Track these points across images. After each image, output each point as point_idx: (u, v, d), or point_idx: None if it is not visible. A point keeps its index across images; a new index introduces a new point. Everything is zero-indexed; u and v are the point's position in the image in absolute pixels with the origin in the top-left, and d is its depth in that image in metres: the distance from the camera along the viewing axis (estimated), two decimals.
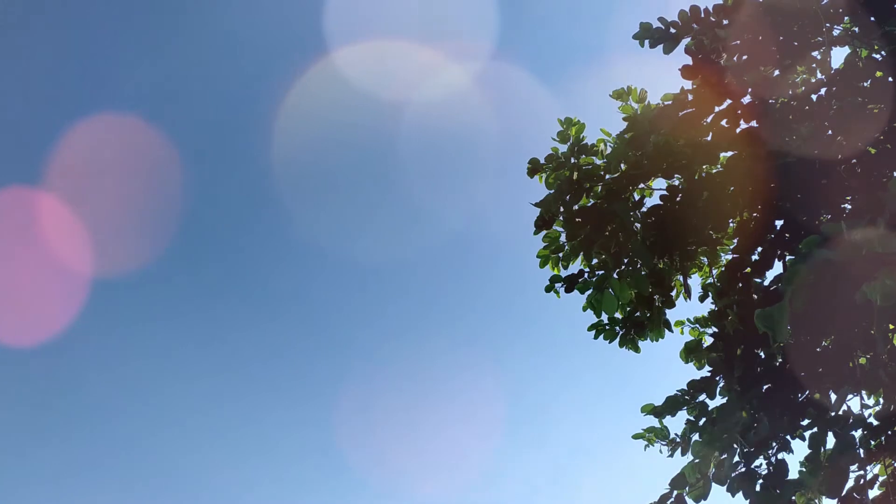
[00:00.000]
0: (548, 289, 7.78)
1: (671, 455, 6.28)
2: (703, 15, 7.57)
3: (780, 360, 6.09)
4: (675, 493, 5.20)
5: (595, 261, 7.63)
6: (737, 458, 5.40)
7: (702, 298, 7.90)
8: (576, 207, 7.53)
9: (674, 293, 7.78)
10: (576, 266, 7.67)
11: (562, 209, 7.46)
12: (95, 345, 26.51)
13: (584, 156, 7.64)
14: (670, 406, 6.13)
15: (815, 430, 5.54)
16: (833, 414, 5.88)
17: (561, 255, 7.59)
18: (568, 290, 7.69)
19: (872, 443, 6.28)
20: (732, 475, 5.22)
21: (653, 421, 6.37)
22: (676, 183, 7.50)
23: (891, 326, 6.37)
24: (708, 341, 7.78)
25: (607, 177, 7.54)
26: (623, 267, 7.42)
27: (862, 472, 6.14)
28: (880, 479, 6.28)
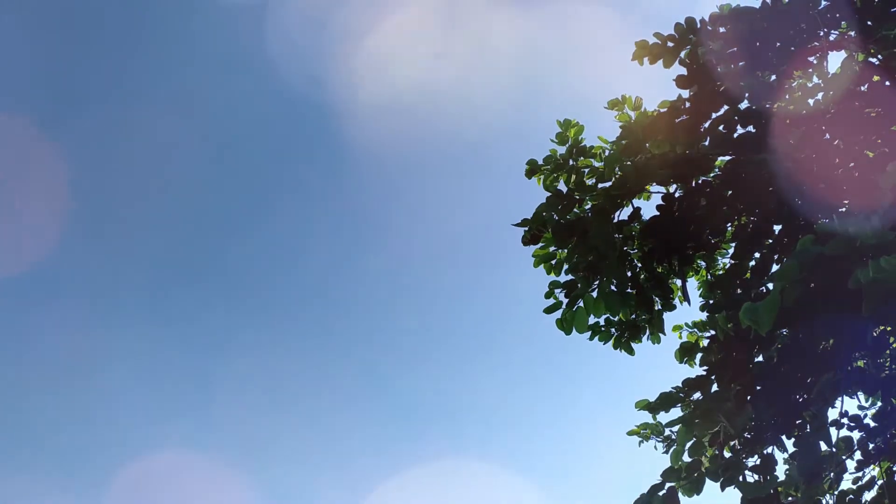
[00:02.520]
0: (548, 295, 7.78)
1: (666, 451, 6.24)
2: (699, 25, 7.62)
3: (777, 360, 6.07)
4: (668, 485, 5.16)
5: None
6: (729, 455, 5.38)
7: (703, 308, 7.89)
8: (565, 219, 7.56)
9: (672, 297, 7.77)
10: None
11: (556, 216, 7.48)
12: None
13: (582, 158, 7.68)
14: (664, 402, 6.10)
15: (809, 430, 5.50)
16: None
17: (554, 261, 7.62)
18: (567, 297, 7.69)
19: (870, 445, 6.25)
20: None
21: (647, 418, 6.35)
22: (674, 189, 7.53)
23: (888, 329, 6.34)
24: (704, 343, 7.75)
25: (600, 186, 7.57)
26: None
27: (860, 474, 6.10)
28: (878, 482, 6.22)
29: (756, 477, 5.27)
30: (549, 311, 7.62)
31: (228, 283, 30.22)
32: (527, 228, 7.69)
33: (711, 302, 6.81)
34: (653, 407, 6.41)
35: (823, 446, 5.55)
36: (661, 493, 5.09)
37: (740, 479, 5.17)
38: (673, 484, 5.15)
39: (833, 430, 7.11)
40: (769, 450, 5.53)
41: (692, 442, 5.37)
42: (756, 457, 5.44)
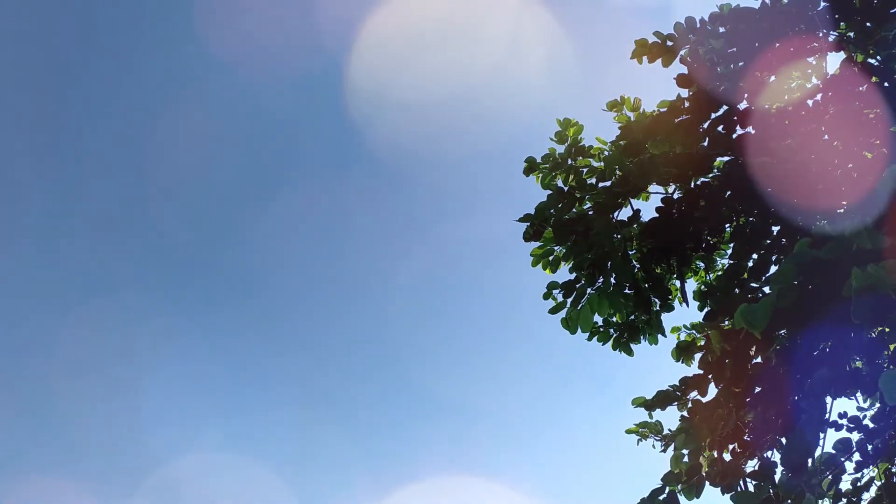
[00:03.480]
0: (546, 296, 7.78)
1: (664, 450, 6.26)
2: (698, 25, 7.61)
3: (775, 362, 6.07)
4: (668, 489, 5.18)
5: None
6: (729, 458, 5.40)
7: (701, 308, 7.88)
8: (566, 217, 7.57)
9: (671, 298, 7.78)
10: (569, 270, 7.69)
11: (553, 214, 7.49)
12: None
13: (580, 157, 7.69)
14: (661, 400, 6.13)
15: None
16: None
17: (551, 258, 7.62)
18: (566, 297, 7.70)
19: (869, 446, 6.25)
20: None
21: (645, 416, 6.38)
22: (672, 189, 7.54)
23: (887, 330, 6.34)
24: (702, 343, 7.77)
25: (600, 185, 7.57)
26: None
27: (858, 475, 6.11)
28: (876, 483, 6.23)
29: (754, 481, 5.28)
30: (553, 311, 7.64)
31: (255, 289, 30.34)
32: (528, 224, 7.71)
33: (709, 304, 6.82)
34: (649, 404, 6.44)
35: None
36: (661, 497, 5.12)
37: (739, 487, 5.19)
38: (674, 488, 5.17)
39: (832, 432, 7.14)
40: (768, 453, 5.54)
41: (692, 447, 5.40)
42: (756, 460, 5.46)
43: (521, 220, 7.60)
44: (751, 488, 5.39)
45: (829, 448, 6.45)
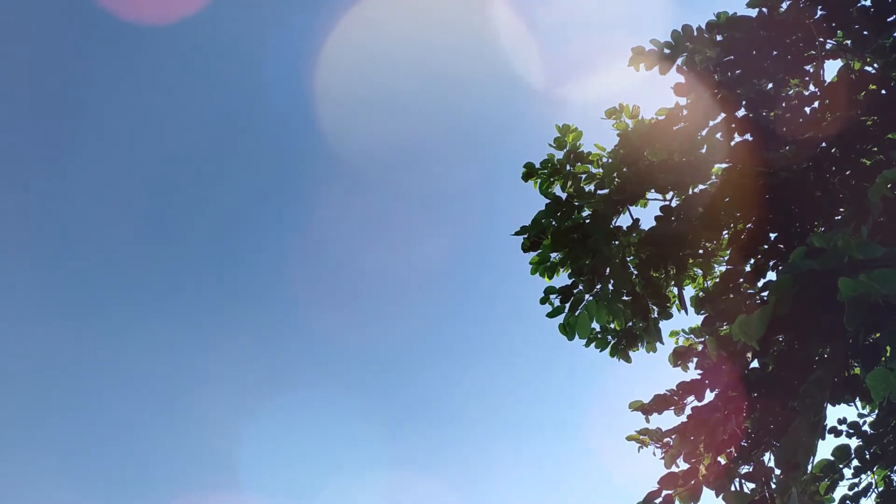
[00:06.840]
0: (543, 301, 7.79)
1: (664, 457, 6.26)
2: (695, 33, 7.67)
3: (772, 367, 6.10)
4: (665, 492, 5.18)
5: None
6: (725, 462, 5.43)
7: (699, 315, 7.90)
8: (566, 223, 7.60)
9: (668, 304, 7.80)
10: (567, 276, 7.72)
11: (553, 223, 7.53)
12: None
13: (579, 163, 7.72)
14: (658, 404, 6.15)
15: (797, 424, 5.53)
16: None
17: (548, 264, 7.64)
18: (563, 302, 7.70)
19: (868, 452, 6.28)
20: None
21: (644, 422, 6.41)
22: (670, 196, 7.57)
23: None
24: (699, 349, 7.80)
25: (598, 192, 7.61)
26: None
27: (856, 480, 6.14)
28: (877, 489, 6.25)
29: (750, 485, 5.31)
30: (551, 315, 7.63)
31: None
32: (526, 236, 7.74)
33: (706, 311, 6.86)
34: (647, 408, 6.45)
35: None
36: (657, 501, 5.12)
37: (734, 487, 5.22)
38: (670, 491, 5.18)
39: (831, 438, 7.17)
40: (766, 457, 5.57)
41: (688, 448, 5.42)
42: (752, 464, 5.48)
43: (517, 233, 7.63)
44: (746, 491, 5.41)
45: (828, 454, 6.49)
